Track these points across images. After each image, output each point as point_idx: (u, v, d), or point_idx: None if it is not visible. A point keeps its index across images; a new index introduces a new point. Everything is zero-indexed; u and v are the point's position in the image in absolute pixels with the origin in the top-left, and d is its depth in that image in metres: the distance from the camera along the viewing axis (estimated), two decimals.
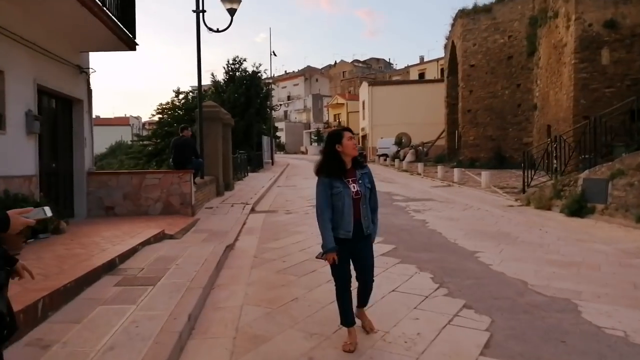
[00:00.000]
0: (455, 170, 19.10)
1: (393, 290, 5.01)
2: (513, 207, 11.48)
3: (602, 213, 9.31)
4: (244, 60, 28.25)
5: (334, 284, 3.77)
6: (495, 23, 25.47)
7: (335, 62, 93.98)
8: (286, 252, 6.85)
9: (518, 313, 4.35)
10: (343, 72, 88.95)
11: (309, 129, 76.10)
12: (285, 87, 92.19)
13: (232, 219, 9.91)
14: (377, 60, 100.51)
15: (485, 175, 15.99)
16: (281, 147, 78.41)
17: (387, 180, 21.39)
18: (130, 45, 9.15)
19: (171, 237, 7.58)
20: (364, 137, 50.40)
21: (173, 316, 3.77)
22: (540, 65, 22.59)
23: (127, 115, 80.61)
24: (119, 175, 9.93)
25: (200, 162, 10.85)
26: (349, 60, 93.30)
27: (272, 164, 34.96)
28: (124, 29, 8.61)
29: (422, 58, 70.57)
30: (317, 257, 3.70)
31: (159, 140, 31.59)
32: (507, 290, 5.04)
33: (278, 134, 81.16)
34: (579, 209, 9.78)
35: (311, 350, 3.54)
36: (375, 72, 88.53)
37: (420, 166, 24.85)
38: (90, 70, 9.84)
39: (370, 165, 36.08)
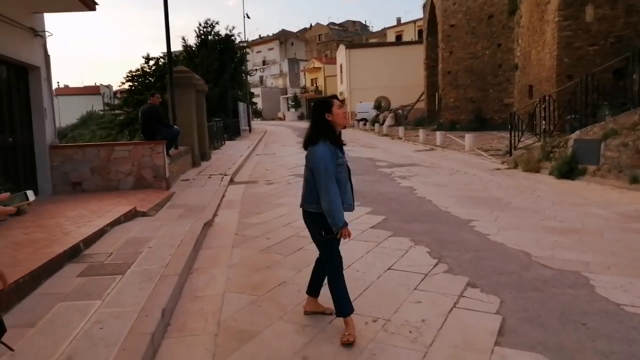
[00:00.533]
0: (437, 133, 18.73)
1: (389, 269, 4.59)
2: (500, 171, 11.17)
3: (593, 175, 9.03)
4: (217, 23, 26.90)
5: (327, 268, 3.32)
6: None
7: (311, 25, 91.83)
8: (269, 228, 6.37)
9: (527, 290, 3.99)
10: (319, 35, 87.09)
11: (286, 94, 74.78)
12: (260, 51, 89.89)
13: (210, 191, 9.35)
14: (354, 22, 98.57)
15: (468, 137, 15.64)
16: (258, 114, 77.06)
17: (368, 145, 20.94)
18: (89, 4, 8.30)
19: (144, 214, 7.01)
20: (343, 101, 49.63)
21: (144, 312, 3.28)
22: (522, 24, 22.08)
23: (98, 84, 77.80)
24: (85, 148, 9.20)
25: (176, 131, 10.13)
26: (325, 23, 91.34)
27: (250, 131, 34.12)
28: None
29: (399, 20, 69.33)
30: (326, 237, 3.21)
31: (130, 110, 30.40)
32: (510, 263, 4.68)
33: (254, 100, 79.88)
34: (569, 170, 9.50)
35: (304, 347, 3.10)
36: (352, 34, 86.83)
37: (401, 130, 24.41)
38: (47, 34, 8.97)
39: (350, 131, 35.64)
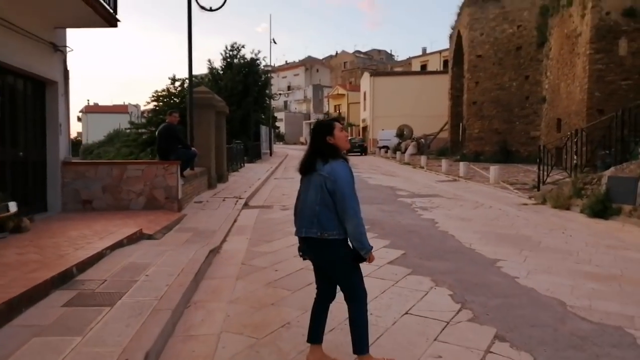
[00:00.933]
0: (461, 164, 18.21)
1: (406, 313, 4.13)
2: (527, 206, 10.60)
3: (629, 215, 8.42)
4: (243, 46, 27.15)
5: (355, 300, 3.08)
6: (504, 12, 24.44)
7: (337, 53, 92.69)
8: (279, 258, 5.96)
9: (565, 348, 3.48)
10: (344, 62, 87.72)
11: (309, 119, 75.06)
12: (285, 77, 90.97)
13: (222, 215, 9.02)
14: (379, 51, 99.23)
15: (493, 170, 15.09)
16: (280, 138, 77.44)
17: (389, 173, 20.49)
18: (110, 21, 8.19)
19: (150, 237, 6.68)
20: (365, 128, 49.47)
21: (125, 354, 2.89)
22: (551, 57, 21.64)
23: (126, 103, 79.45)
24: (98, 166, 9.01)
25: (193, 153, 9.88)
26: (351, 51, 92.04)
27: (271, 154, 34.02)
28: (102, 1, 7.66)
29: (424, 50, 69.46)
30: (354, 264, 3.09)
31: (153, 129, 30.69)
32: (543, 313, 4.17)
33: (277, 124, 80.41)
34: (602, 209, 8.90)
35: None
36: (377, 63, 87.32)
37: (423, 159, 23.95)
38: (67, 49, 8.90)
39: (371, 158, 35.28)
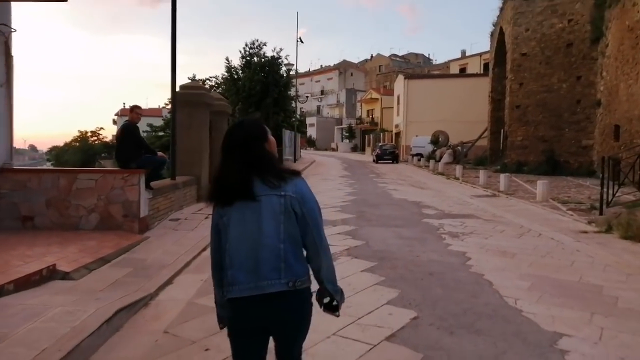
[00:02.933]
0: (501, 176, 15.81)
1: None
2: (588, 234, 8.27)
3: None
4: (264, 44, 25.37)
5: None
6: (553, 5, 21.82)
7: (372, 56, 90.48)
8: None
9: None
10: (379, 66, 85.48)
11: (341, 124, 73.14)
12: (319, 80, 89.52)
13: (194, 239, 7.15)
14: (416, 55, 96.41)
15: (541, 185, 12.70)
16: (312, 143, 75.93)
17: (418, 185, 18.27)
18: None
19: (64, 276, 4.86)
20: (398, 134, 47.11)
21: None
22: (608, 54, 18.96)
23: (161, 106, 79.60)
24: (42, 174, 7.28)
25: (159, 160, 7.98)
26: (387, 55, 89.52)
27: (295, 160, 32.22)
28: None
29: (463, 52, 66.43)
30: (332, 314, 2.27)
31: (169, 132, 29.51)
32: None
33: (309, 129, 78.78)
34: None
35: None
36: (414, 66, 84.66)
37: (458, 169, 21.56)
38: (11, 30, 7.26)
39: (402, 166, 32.97)
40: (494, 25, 28.19)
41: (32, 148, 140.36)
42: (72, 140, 59.89)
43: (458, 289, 5.07)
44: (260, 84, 23.95)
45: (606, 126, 19.04)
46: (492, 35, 29.22)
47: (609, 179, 9.50)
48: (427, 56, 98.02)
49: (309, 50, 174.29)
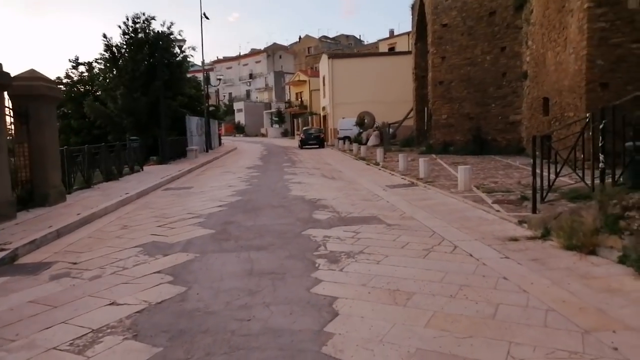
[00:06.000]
0: (420, 160, 13.62)
1: None
2: (519, 244, 6.04)
3: None
4: (153, 18, 21.71)
5: None
6: None
7: (300, 38, 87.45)
8: None
9: None
10: (308, 48, 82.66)
11: (270, 109, 69.99)
12: (247, 64, 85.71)
13: None
14: (347, 37, 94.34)
15: (463, 171, 10.54)
16: (241, 129, 72.45)
17: (331, 174, 15.85)
18: None
19: None
20: (325, 117, 44.75)
21: None
22: (533, 21, 17.22)
23: None
24: None
25: None
26: (317, 36, 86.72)
27: (207, 150, 29.04)
28: None
29: (391, 32, 65.00)
30: None
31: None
32: None
33: (237, 115, 74.90)
34: None
35: None
36: (344, 48, 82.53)
37: (379, 153, 19.36)
38: None
39: (326, 151, 30.50)
40: None
41: None
42: None
43: None
44: (144, 64, 20.51)
45: (534, 99, 17.38)
46: (412, 7, 27.17)
47: (542, 164, 7.32)
48: (359, 37, 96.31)
49: (241, 34, 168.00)
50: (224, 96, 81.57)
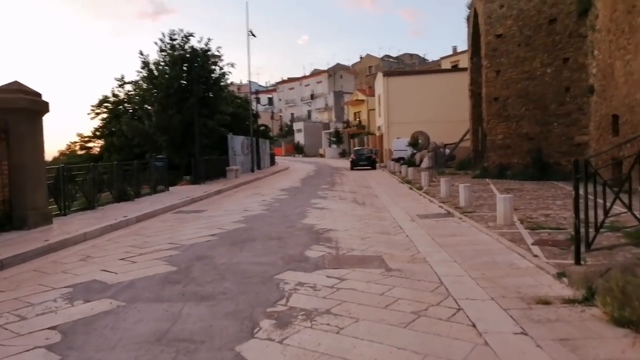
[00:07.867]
0: (461, 186, 11.87)
1: None
2: (550, 310, 4.36)
3: None
4: (191, 35, 21.41)
5: None
6: None
7: (361, 57, 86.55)
8: None
9: None
10: (369, 67, 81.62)
11: (329, 129, 69.31)
12: (308, 85, 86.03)
13: None
14: (411, 55, 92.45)
15: (502, 202, 8.78)
16: (300, 150, 72.22)
17: (362, 200, 14.39)
18: None
19: None
20: (381, 137, 43.24)
21: None
22: (599, 27, 15.08)
23: None
24: None
25: None
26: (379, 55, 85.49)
27: (253, 170, 28.42)
28: None
29: (454, 49, 62.59)
30: None
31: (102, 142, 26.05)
32: None
33: (297, 135, 74.84)
34: None
35: None
36: (406, 66, 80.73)
37: (424, 177, 17.68)
38: None
39: (376, 173, 28.88)
40: (469, 7, 24.35)
41: None
42: None
43: None
44: (178, 81, 20.10)
45: (602, 117, 15.12)
46: (467, 19, 25.34)
47: (586, 197, 5.54)
48: (422, 56, 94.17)
49: (308, 56, 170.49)
50: (280, 116, 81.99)
